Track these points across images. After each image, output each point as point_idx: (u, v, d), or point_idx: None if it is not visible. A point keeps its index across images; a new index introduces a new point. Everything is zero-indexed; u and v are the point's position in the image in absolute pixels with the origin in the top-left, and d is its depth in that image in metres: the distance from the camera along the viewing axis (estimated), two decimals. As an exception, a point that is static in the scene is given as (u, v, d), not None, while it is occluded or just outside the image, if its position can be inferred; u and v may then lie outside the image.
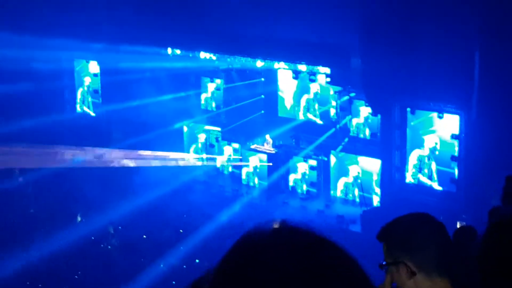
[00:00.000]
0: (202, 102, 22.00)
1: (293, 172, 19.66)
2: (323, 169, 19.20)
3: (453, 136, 16.39)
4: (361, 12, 16.68)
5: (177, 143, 21.74)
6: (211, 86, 21.80)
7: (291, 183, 19.74)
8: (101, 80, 22.73)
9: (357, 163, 18.43)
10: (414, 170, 17.18)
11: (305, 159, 19.40)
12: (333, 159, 19.01)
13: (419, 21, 15.80)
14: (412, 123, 17.14)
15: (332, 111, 19.38)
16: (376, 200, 18.07)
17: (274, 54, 19.60)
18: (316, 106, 19.77)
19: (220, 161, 21.20)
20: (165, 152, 21.29)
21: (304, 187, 19.43)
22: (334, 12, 16.97)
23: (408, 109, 17.07)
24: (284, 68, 20.03)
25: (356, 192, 18.53)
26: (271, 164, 19.85)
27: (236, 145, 20.77)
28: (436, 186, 16.89)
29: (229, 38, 19.59)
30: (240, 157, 20.69)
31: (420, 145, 17.03)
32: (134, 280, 15.14)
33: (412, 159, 17.17)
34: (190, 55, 21.18)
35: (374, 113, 17.90)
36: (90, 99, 23.19)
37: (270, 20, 18.50)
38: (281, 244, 1.52)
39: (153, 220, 18.00)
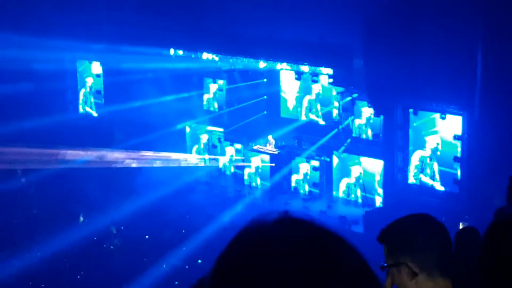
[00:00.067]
0: (205, 102, 21.99)
1: (295, 172, 19.65)
2: (325, 169, 19.19)
3: (456, 137, 16.37)
4: (364, 13, 16.68)
5: (180, 143, 21.73)
6: (213, 87, 21.79)
7: (293, 184, 19.73)
8: (104, 80, 22.73)
9: (359, 163, 18.42)
10: (415, 170, 17.18)
11: (308, 160, 19.39)
12: (335, 160, 19.00)
13: (421, 22, 15.80)
14: (414, 124, 17.12)
15: (335, 112, 19.36)
16: (378, 201, 18.06)
17: (277, 55, 19.59)
18: (318, 106, 19.75)
19: (222, 161, 21.19)
20: (168, 152, 21.29)
21: (306, 188, 19.42)
22: (336, 13, 16.98)
23: (411, 110, 17.06)
24: (286, 69, 20.02)
25: (358, 192, 18.52)
26: (273, 164, 19.84)
27: (238, 146, 20.76)
28: (438, 186, 16.87)
29: (231, 38, 19.59)
30: (243, 158, 20.68)
31: (422, 146, 17.02)
32: (136, 280, 15.14)
33: (414, 159, 17.16)
34: (193, 56, 21.18)
35: (376, 114, 17.89)
36: (92, 99, 23.19)
37: (272, 21, 18.51)
38: (283, 239, 1.47)
39: (156, 220, 18.01)
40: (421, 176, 17.11)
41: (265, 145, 20.36)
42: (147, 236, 17.51)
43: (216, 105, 21.84)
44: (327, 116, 19.58)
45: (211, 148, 21.47)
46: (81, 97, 23.42)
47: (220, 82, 21.59)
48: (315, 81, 19.49)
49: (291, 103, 20.34)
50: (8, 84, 21.02)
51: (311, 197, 19.22)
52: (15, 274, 15.19)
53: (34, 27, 20.40)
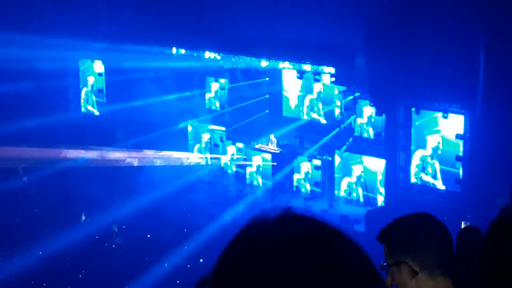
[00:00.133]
0: (206, 101, 22.00)
1: (296, 172, 19.64)
2: (327, 168, 19.18)
3: (458, 136, 16.36)
4: (366, 12, 16.66)
5: (182, 142, 21.73)
6: (215, 86, 21.80)
7: (295, 183, 19.73)
8: (106, 79, 22.74)
9: (361, 163, 18.41)
10: (416, 169, 17.16)
11: (310, 159, 19.38)
12: (337, 159, 18.99)
13: (423, 21, 15.78)
14: (416, 123, 17.11)
15: (337, 111, 19.35)
16: (380, 200, 18.05)
17: (279, 54, 19.59)
18: (320, 105, 19.75)
19: (224, 160, 21.20)
20: (169, 151, 21.29)
21: (308, 187, 19.42)
22: (338, 12, 16.97)
23: (413, 109, 17.04)
24: (288, 68, 20.02)
25: (360, 191, 18.51)
26: (275, 163, 19.84)
27: (240, 145, 20.76)
28: (439, 185, 16.86)
29: (233, 37, 19.59)
30: (245, 157, 20.68)
31: (424, 145, 17.01)
32: (138, 279, 15.14)
33: (415, 159, 17.15)
34: (195, 55, 21.19)
35: (378, 113, 17.87)
36: (94, 98, 23.19)
37: (274, 20, 18.50)
38: (284, 237, 1.45)
39: (157, 219, 18.01)
40: (422, 175, 17.10)
41: (267, 144, 20.36)
42: (148, 235, 17.52)
43: (218, 104, 21.84)
44: (329, 115, 19.57)
45: (213, 147, 21.47)
46: (83, 96, 23.42)
47: (222, 81, 21.60)
48: (317, 80, 19.48)
49: (293, 102, 20.34)
50: (10, 83, 21.03)
51: (313, 196, 19.22)
52: (16, 273, 15.20)
53: (36, 26, 20.41)
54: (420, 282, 3.28)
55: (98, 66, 22.84)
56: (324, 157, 19.25)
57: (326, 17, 17.38)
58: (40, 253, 16.13)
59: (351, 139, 18.77)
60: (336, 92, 19.19)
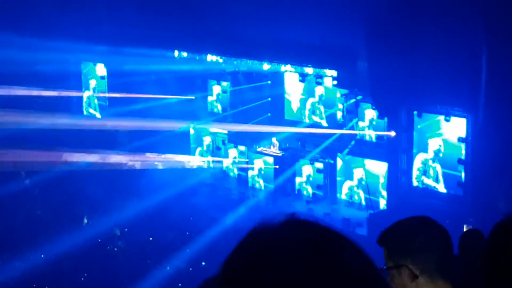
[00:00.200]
0: (209, 104, 22.02)
1: (299, 175, 19.64)
2: (329, 172, 19.17)
3: (460, 139, 16.35)
4: (368, 15, 16.66)
5: (184, 145, 21.74)
6: (217, 89, 21.81)
7: (297, 186, 19.72)
8: (108, 82, 22.75)
9: (363, 166, 18.41)
10: (418, 173, 17.15)
11: (312, 162, 19.38)
12: (339, 162, 18.99)
13: (425, 24, 15.78)
14: (419, 126, 17.10)
15: (339, 114, 19.36)
16: (382, 203, 18.04)
17: (281, 57, 19.60)
18: (322, 108, 19.75)
19: (226, 163, 21.20)
20: (171, 154, 21.29)
21: (310, 190, 19.41)
22: (340, 15, 16.96)
23: (415, 112, 17.04)
24: (290, 71, 20.03)
25: (362, 195, 18.51)
26: (277, 166, 19.84)
27: (242, 148, 20.76)
28: (441, 188, 16.84)
29: (235, 41, 19.60)
30: (247, 160, 20.69)
31: (425, 148, 17.01)
32: (140, 282, 15.12)
33: (417, 162, 17.14)
34: (197, 58, 21.21)
35: (380, 116, 17.87)
36: (96, 101, 23.21)
37: (276, 23, 18.50)
38: (288, 243, 1.47)
39: (159, 222, 18.00)
40: (424, 178, 17.08)
41: (269, 147, 20.37)
42: (151, 238, 17.50)
43: (220, 107, 21.86)
44: (331, 118, 19.57)
45: (216, 150, 21.48)
46: (85, 99, 23.44)
47: (224, 84, 21.62)
48: (319, 83, 19.49)
49: (295, 105, 20.35)
50: (12, 86, 21.06)
51: (315, 200, 19.21)
52: (18, 275, 15.19)
53: (38, 28, 20.43)
54: (420, 285, 3.28)
55: (101, 69, 22.85)
56: (326, 160, 19.24)
57: (328, 20, 17.38)
58: (42, 256, 16.12)
59: (353, 142, 18.77)
60: (338, 95, 19.19)
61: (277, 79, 20.55)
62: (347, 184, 18.82)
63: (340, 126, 19.19)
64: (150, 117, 21.28)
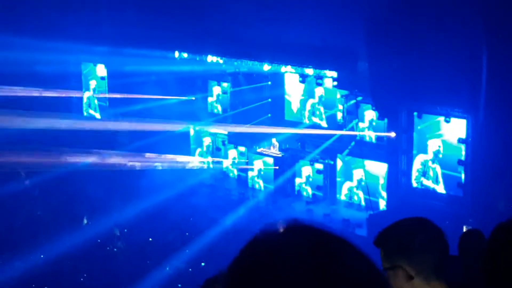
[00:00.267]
0: (209, 105, 22.03)
1: (298, 176, 19.65)
2: (329, 172, 19.17)
3: (460, 140, 16.35)
4: (368, 16, 16.67)
5: (184, 146, 21.74)
6: (217, 90, 21.82)
7: (296, 187, 19.72)
8: (108, 83, 22.75)
9: (363, 167, 18.41)
10: (417, 174, 17.15)
11: (312, 163, 19.38)
12: (339, 163, 18.99)
13: (425, 24, 15.78)
14: (419, 127, 17.10)
15: (339, 115, 19.36)
16: (382, 204, 18.04)
17: (281, 58, 19.60)
18: (322, 109, 19.75)
19: (225, 164, 21.21)
20: (171, 155, 21.29)
21: (309, 191, 19.41)
22: (341, 16, 16.96)
23: (415, 113, 17.04)
24: (291, 72, 20.03)
25: (362, 195, 18.51)
26: (277, 167, 19.84)
27: (242, 149, 20.76)
28: (441, 189, 16.84)
29: (236, 41, 19.60)
30: (247, 160, 20.69)
31: (425, 149, 17.01)
32: (139, 283, 15.13)
33: (416, 163, 17.14)
34: (197, 59, 21.20)
35: (380, 117, 17.88)
36: (96, 102, 23.20)
37: (277, 24, 18.51)
38: (292, 250, 1.47)
39: (159, 223, 18.00)
40: (423, 179, 17.08)
41: (269, 148, 20.37)
42: (150, 239, 17.51)
43: (220, 108, 21.86)
44: (330, 119, 19.58)
45: (215, 151, 21.48)
46: (85, 99, 23.43)
47: (225, 84, 21.62)
48: (320, 84, 19.49)
49: (295, 106, 20.35)
50: (12, 86, 21.06)
51: (314, 200, 19.21)
52: (18, 276, 15.19)
53: (38, 29, 20.43)
54: (416, 286, 3.29)
55: (101, 70, 22.85)
56: (326, 161, 19.24)
57: (328, 21, 17.38)
58: (42, 256, 16.12)
59: (353, 143, 18.77)
60: (338, 96, 19.20)
61: (277, 80, 20.56)
62: (346, 185, 18.82)
63: (340, 127, 19.20)
64: (150, 118, 21.28)
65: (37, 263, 15.75)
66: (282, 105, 20.58)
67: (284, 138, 20.26)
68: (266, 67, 20.16)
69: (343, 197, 18.90)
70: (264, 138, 20.48)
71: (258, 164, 20.26)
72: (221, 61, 20.94)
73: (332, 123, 19.49)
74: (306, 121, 20.06)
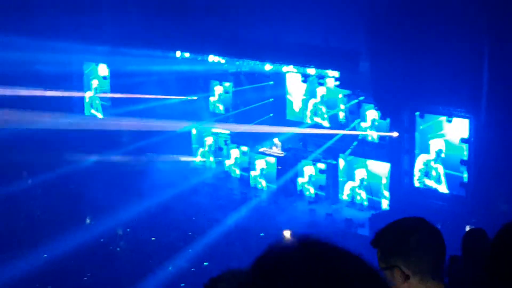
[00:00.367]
0: (211, 105, 22.03)
1: (301, 175, 19.65)
2: (331, 172, 19.17)
3: (463, 140, 16.36)
4: (370, 16, 16.67)
5: (186, 146, 21.75)
6: (219, 89, 21.82)
7: (299, 186, 19.72)
8: (110, 83, 22.76)
9: (365, 166, 18.41)
10: (419, 174, 17.15)
11: (314, 163, 19.38)
12: (342, 163, 18.99)
13: (428, 24, 15.79)
14: (421, 127, 17.11)
15: (341, 115, 19.37)
16: (385, 204, 18.04)
17: (283, 58, 19.60)
18: (324, 109, 19.76)
19: (228, 164, 21.21)
20: (174, 155, 21.29)
21: (312, 190, 19.41)
22: (343, 16, 16.97)
23: (417, 113, 17.04)
24: (292, 72, 20.03)
25: (364, 195, 18.51)
26: (279, 167, 19.84)
27: (244, 148, 20.76)
28: (443, 189, 16.84)
29: (238, 41, 19.61)
30: (249, 160, 20.70)
31: (427, 149, 17.01)
32: (142, 282, 15.13)
33: (419, 163, 17.14)
34: (199, 58, 21.19)
35: (383, 117, 17.88)
36: (98, 101, 23.21)
37: (278, 24, 18.52)
38: (301, 271, 1.50)
39: (162, 222, 18.01)
40: (425, 180, 17.08)
41: (271, 148, 20.37)
42: (153, 238, 17.51)
43: (222, 107, 21.87)
44: (333, 119, 19.58)
45: (218, 151, 21.48)
46: (87, 99, 23.44)
47: (227, 84, 21.62)
48: (321, 84, 19.50)
49: (297, 106, 20.35)
50: (14, 86, 21.07)
51: (317, 200, 19.21)
52: (21, 276, 15.20)
53: (40, 29, 20.43)
54: (412, 286, 3.29)
55: (103, 70, 22.85)
56: (329, 161, 19.24)
57: (330, 20, 17.39)
58: (45, 256, 16.13)
59: (355, 143, 18.78)
60: (340, 96, 19.20)
61: (279, 79, 20.56)
62: (349, 185, 18.82)
63: (342, 127, 19.20)
64: (153, 118, 21.28)
65: (40, 263, 15.75)
66: (284, 105, 20.58)
67: (286, 138, 20.26)
68: (268, 67, 20.16)
69: (345, 197, 18.89)
70: (266, 138, 20.49)
71: (260, 164, 20.26)
72: (223, 61, 20.94)
73: (334, 123, 19.49)
74: (308, 121, 20.06)
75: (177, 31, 20.27)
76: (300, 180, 19.64)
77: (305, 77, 19.75)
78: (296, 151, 20.17)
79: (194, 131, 21.89)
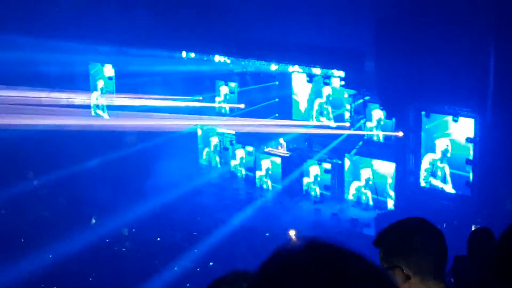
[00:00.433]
0: (216, 105, 22.03)
1: (306, 175, 19.64)
2: (337, 172, 19.16)
3: (468, 140, 16.32)
4: (375, 16, 16.66)
5: (191, 146, 21.76)
6: (224, 89, 21.83)
7: (304, 186, 19.71)
8: (116, 83, 22.76)
9: (371, 166, 18.39)
10: (425, 174, 17.13)
11: (319, 163, 19.37)
12: (347, 162, 18.97)
13: (433, 24, 15.76)
14: (426, 127, 17.08)
15: (347, 114, 19.35)
16: (390, 203, 18.02)
17: (288, 58, 19.59)
18: (329, 109, 19.75)
19: (233, 164, 21.21)
20: (179, 155, 21.26)
21: (317, 190, 19.40)
22: (348, 16, 16.95)
23: (423, 112, 17.01)
24: (298, 72, 20.02)
25: (369, 195, 18.49)
26: (283, 167, 19.85)
27: (250, 148, 20.76)
28: (449, 188, 16.82)
29: (243, 41, 19.60)
30: (254, 160, 20.70)
31: (433, 149, 16.98)
32: (148, 282, 15.15)
33: (425, 163, 17.11)
34: (205, 59, 21.20)
35: (388, 116, 17.85)
36: (104, 102, 23.20)
37: (284, 24, 18.50)
38: (307, 276, 1.49)
39: (167, 222, 18.03)
40: (431, 179, 17.06)
41: (277, 148, 20.36)
42: (158, 238, 17.52)
43: (227, 107, 21.87)
44: (338, 118, 19.57)
45: (223, 151, 21.49)
46: (93, 100, 23.44)
47: (232, 84, 21.62)
48: (327, 84, 19.48)
49: (303, 106, 20.34)
50: (19, 86, 21.11)
51: (322, 200, 19.20)
52: (26, 276, 15.23)
53: (45, 30, 20.45)
54: (413, 286, 3.29)
55: (108, 70, 22.85)
56: (334, 160, 19.23)
57: (335, 20, 17.37)
58: (50, 256, 16.16)
59: (361, 143, 18.76)
60: (345, 95, 19.18)
61: (285, 79, 20.55)
62: (354, 185, 18.80)
63: (348, 127, 19.17)
64: (158, 118, 21.29)
65: (46, 263, 15.78)
66: (290, 105, 20.57)
67: (291, 137, 20.25)
68: (274, 67, 20.15)
69: (351, 197, 18.88)
70: (271, 137, 20.48)
71: (265, 164, 20.26)
72: (228, 61, 20.94)
73: (340, 122, 19.47)
74: (314, 120, 20.05)
75: (182, 31, 20.27)
76: (305, 180, 19.63)
77: (311, 77, 19.73)
78: (302, 151, 20.16)
79: (199, 131, 21.90)
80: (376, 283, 1.53)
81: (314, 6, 17.72)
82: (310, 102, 20.13)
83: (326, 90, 19.66)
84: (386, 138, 18.27)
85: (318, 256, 1.53)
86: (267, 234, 16.86)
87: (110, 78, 22.88)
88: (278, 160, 20.02)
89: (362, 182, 18.61)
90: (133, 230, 17.92)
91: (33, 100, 21.48)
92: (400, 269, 3.29)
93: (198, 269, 16.12)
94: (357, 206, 18.68)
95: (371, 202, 18.45)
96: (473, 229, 8.18)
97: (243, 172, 21.00)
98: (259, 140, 20.69)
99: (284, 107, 20.68)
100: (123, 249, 17.38)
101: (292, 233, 16.37)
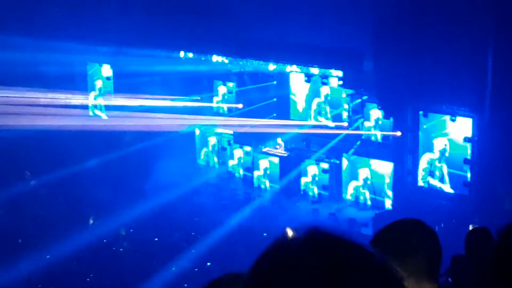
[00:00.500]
0: (214, 105, 22.03)
1: (304, 175, 19.63)
2: (335, 172, 19.16)
3: (466, 139, 16.33)
4: (373, 15, 16.66)
5: (189, 146, 21.75)
6: (222, 89, 21.82)
7: (302, 186, 19.71)
8: (114, 83, 22.75)
9: (369, 166, 18.39)
10: (423, 173, 17.13)
11: (317, 162, 19.37)
12: (345, 162, 18.97)
13: (431, 24, 15.77)
14: (424, 126, 17.08)
15: (345, 114, 19.35)
16: (388, 203, 18.02)
17: (286, 57, 19.60)
18: (328, 109, 19.75)
19: (231, 164, 21.21)
20: (177, 155, 21.26)
21: (315, 190, 19.40)
22: (346, 16, 16.96)
23: (421, 112, 17.02)
24: (296, 71, 20.02)
25: (367, 195, 18.50)
26: (281, 167, 19.84)
27: (248, 148, 20.76)
28: (447, 188, 16.82)
29: (241, 41, 19.60)
30: (252, 160, 20.70)
31: (431, 148, 16.99)
32: (145, 282, 15.14)
33: (423, 162, 17.12)
34: (203, 59, 21.21)
35: (386, 116, 17.86)
36: (102, 102, 23.19)
37: (282, 24, 18.50)
38: (306, 265, 1.44)
39: (165, 223, 18.02)
40: (430, 179, 17.06)
41: (275, 148, 20.36)
42: (156, 239, 17.51)
43: (225, 107, 21.86)
44: (336, 118, 19.57)
45: (221, 151, 21.48)
46: (91, 100, 23.41)
47: (230, 84, 21.62)
48: (325, 83, 19.49)
49: (301, 106, 20.34)
50: (17, 87, 21.09)
51: (320, 200, 19.19)
52: (24, 277, 15.22)
53: (43, 30, 20.44)
54: (408, 287, 3.28)
55: (106, 70, 22.84)
56: (332, 160, 19.23)
57: (333, 20, 17.37)
58: (48, 256, 16.14)
59: (358, 143, 18.76)
60: (343, 95, 19.19)
61: (283, 79, 20.55)
62: (352, 184, 18.80)
63: (346, 126, 19.18)
64: (156, 118, 21.28)
65: (43, 264, 15.76)
66: (288, 105, 20.57)
67: (289, 137, 20.25)
68: (272, 67, 20.15)
69: (349, 197, 18.88)
70: (269, 137, 20.48)
71: (263, 164, 20.26)
72: (226, 61, 20.95)
73: (338, 122, 19.47)
74: (312, 120, 20.05)
75: (180, 31, 20.26)
76: (303, 179, 19.62)
77: (309, 77, 19.74)
78: (299, 150, 20.15)
79: (197, 131, 21.89)
80: (379, 274, 1.50)
81: (312, 6, 17.72)
82: (308, 102, 20.13)
83: (324, 90, 19.66)
84: (384, 137, 18.27)
85: (317, 246, 1.48)
86: (265, 234, 16.84)
87: (108, 78, 22.86)
88: (276, 160, 20.01)
89: (360, 182, 18.61)
90: (131, 230, 17.91)
91: (32, 101, 21.46)
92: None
93: (196, 269, 16.11)
94: (355, 206, 18.68)
95: (369, 202, 18.45)
96: (471, 229, 8.18)
97: (241, 172, 20.99)
98: (257, 140, 20.69)
99: (282, 107, 20.68)
100: (121, 249, 17.37)
101: (289, 231, 16.36)
